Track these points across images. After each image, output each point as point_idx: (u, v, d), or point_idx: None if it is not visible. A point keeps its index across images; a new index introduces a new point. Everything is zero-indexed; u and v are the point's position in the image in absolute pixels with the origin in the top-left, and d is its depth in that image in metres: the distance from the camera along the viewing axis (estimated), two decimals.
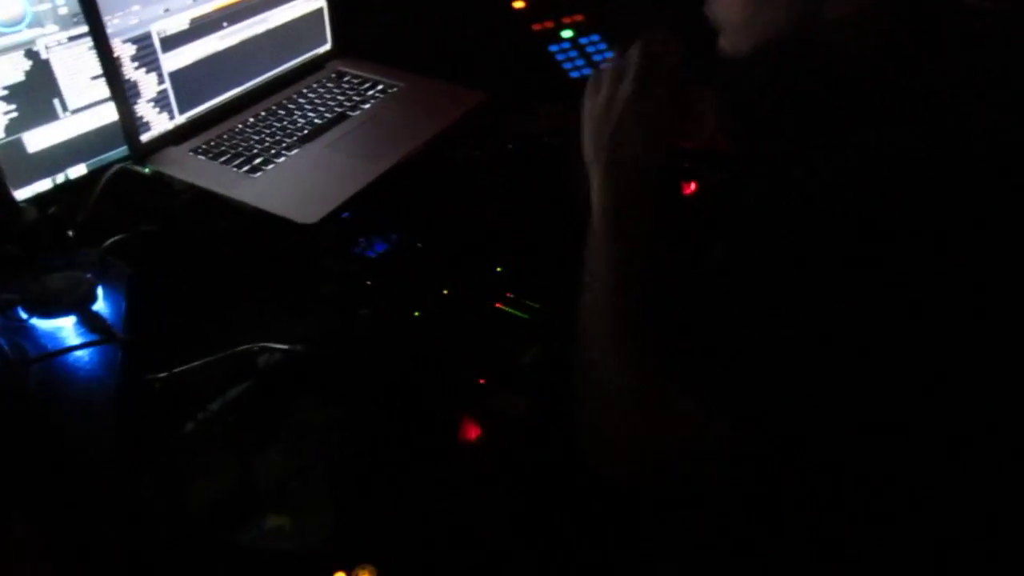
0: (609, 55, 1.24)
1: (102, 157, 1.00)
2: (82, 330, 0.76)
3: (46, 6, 0.90)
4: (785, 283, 0.60)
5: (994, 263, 0.59)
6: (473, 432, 0.95)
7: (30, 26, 0.89)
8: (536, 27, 1.24)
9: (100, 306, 0.79)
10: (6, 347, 0.65)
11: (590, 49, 1.24)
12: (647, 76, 0.71)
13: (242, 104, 1.11)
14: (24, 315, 0.76)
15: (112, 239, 0.86)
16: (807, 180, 0.63)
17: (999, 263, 0.59)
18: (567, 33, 1.24)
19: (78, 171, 0.98)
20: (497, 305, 0.98)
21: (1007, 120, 0.63)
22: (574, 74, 1.20)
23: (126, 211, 0.97)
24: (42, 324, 0.76)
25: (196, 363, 0.84)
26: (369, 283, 1.00)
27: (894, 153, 0.60)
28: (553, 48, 1.22)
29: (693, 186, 1.17)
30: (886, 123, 0.62)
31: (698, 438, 0.62)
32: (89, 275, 0.79)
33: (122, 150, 1.01)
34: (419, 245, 1.05)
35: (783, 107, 0.68)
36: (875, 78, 0.64)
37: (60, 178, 0.96)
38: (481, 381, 0.95)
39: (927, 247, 0.57)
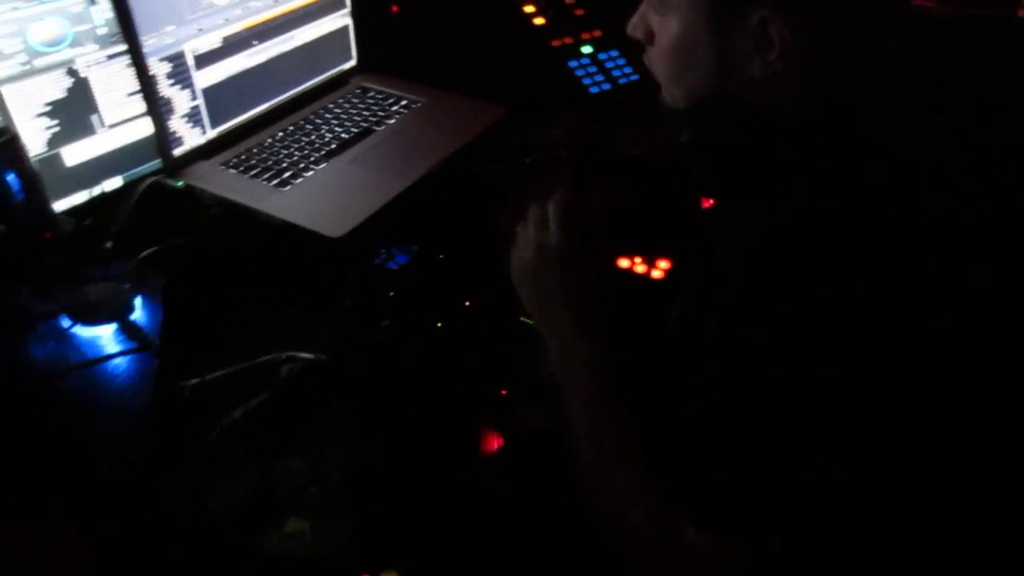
0: (628, 70, 1.26)
1: (136, 170, 1.03)
2: (120, 338, 0.79)
3: (86, 26, 0.93)
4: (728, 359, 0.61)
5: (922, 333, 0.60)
6: (494, 443, 0.97)
7: (71, 46, 0.92)
8: (556, 43, 1.26)
9: (137, 315, 0.81)
10: (50, 354, 0.68)
11: (609, 64, 1.26)
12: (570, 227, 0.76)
13: (270, 119, 1.14)
14: (66, 323, 0.79)
15: (147, 251, 0.89)
16: (732, 248, 0.65)
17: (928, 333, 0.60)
18: (586, 49, 1.27)
19: (113, 184, 1.01)
20: (520, 318, 1.00)
21: (913, 182, 0.65)
22: (593, 89, 1.23)
23: (159, 223, 0.99)
24: (83, 332, 0.79)
25: (224, 371, 0.86)
26: (391, 294, 1.01)
27: (805, 217, 0.61)
28: (572, 64, 1.24)
29: (712, 200, 1.18)
30: (799, 187, 0.63)
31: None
32: (127, 286, 0.82)
33: (154, 164, 1.04)
34: (440, 257, 1.07)
35: (711, 163, 0.69)
36: (793, 138, 0.64)
37: (96, 191, 1.00)
38: (503, 392, 0.97)
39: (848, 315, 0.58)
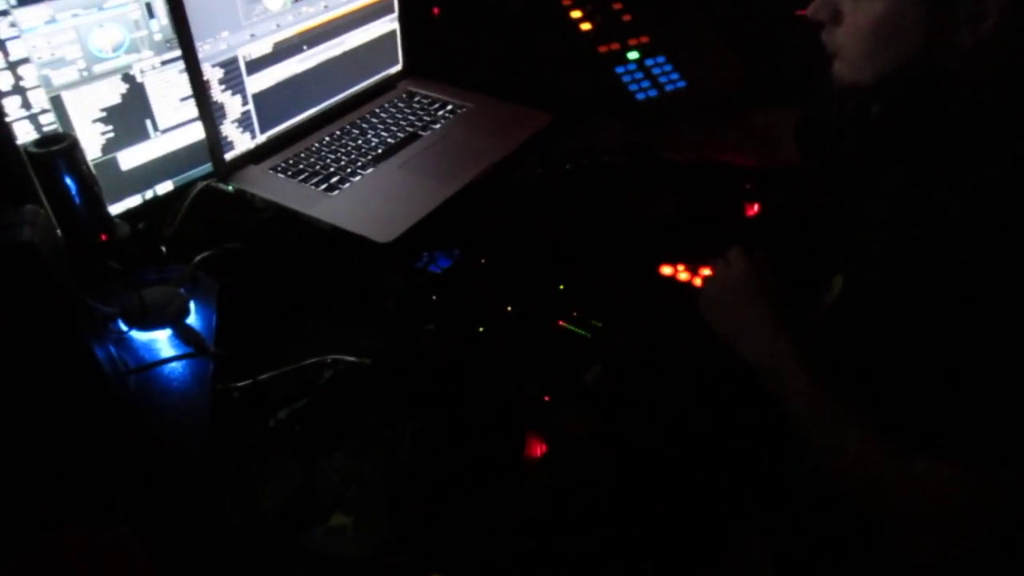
0: (675, 76, 1.25)
1: (187, 175, 1.05)
2: (177, 343, 0.80)
3: (143, 33, 0.95)
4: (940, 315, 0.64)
5: None
6: (538, 449, 0.96)
7: (128, 52, 0.94)
8: (602, 49, 1.25)
9: (192, 319, 0.82)
10: (108, 357, 0.69)
11: (656, 71, 1.25)
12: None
13: (318, 124, 1.15)
14: (123, 327, 0.80)
15: (201, 255, 0.90)
16: (940, 209, 0.65)
17: None
18: (633, 55, 1.26)
19: (165, 188, 1.03)
20: (560, 323, 1.00)
21: None
22: (639, 96, 1.21)
23: (210, 227, 1.01)
24: (140, 336, 0.80)
25: (272, 373, 0.87)
26: (434, 298, 1.02)
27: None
28: (619, 70, 1.23)
29: (756, 208, 1.17)
30: (998, 158, 0.63)
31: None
32: (183, 290, 0.83)
33: (205, 168, 1.05)
34: (482, 261, 1.07)
35: (896, 136, 0.69)
36: (999, 109, 0.64)
37: (148, 194, 1.01)
38: (546, 398, 0.97)
39: None
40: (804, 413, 0.76)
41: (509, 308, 1.01)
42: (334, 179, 1.04)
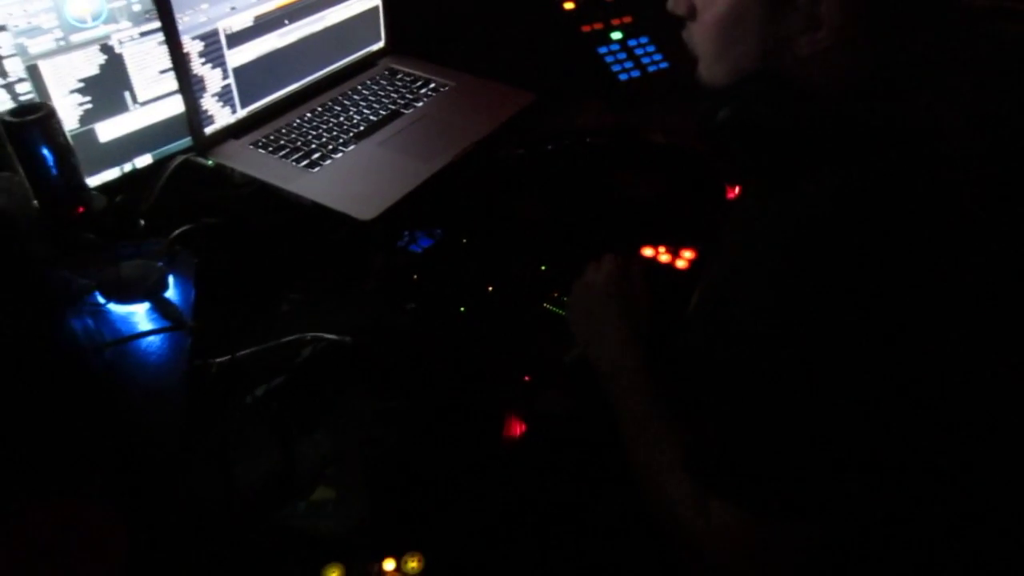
0: (658, 57, 1.25)
1: (166, 148, 1.04)
2: (154, 316, 0.79)
3: (121, 3, 0.93)
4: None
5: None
6: (517, 429, 0.97)
7: (106, 22, 0.93)
8: (585, 28, 1.25)
9: (170, 294, 0.82)
10: (84, 330, 0.68)
11: (638, 51, 1.25)
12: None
13: (298, 99, 1.14)
14: (100, 300, 0.79)
15: (179, 229, 0.90)
16: (769, 226, 0.65)
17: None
18: (616, 35, 1.26)
19: (143, 161, 1.02)
20: (542, 304, 1.00)
21: (973, 156, 0.65)
22: (622, 76, 1.22)
23: (188, 201, 1.00)
24: (116, 309, 0.79)
25: (251, 349, 0.87)
26: (415, 277, 1.02)
27: (855, 194, 0.61)
28: (602, 50, 1.23)
29: (737, 190, 1.18)
30: (846, 163, 0.62)
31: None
32: (160, 264, 0.83)
33: (184, 142, 1.04)
34: (464, 241, 1.07)
35: (751, 141, 0.68)
36: (839, 117, 0.64)
37: (127, 167, 1.00)
38: (526, 379, 0.97)
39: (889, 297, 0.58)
40: (627, 427, 0.76)
41: (491, 288, 1.01)
42: (315, 155, 1.04)
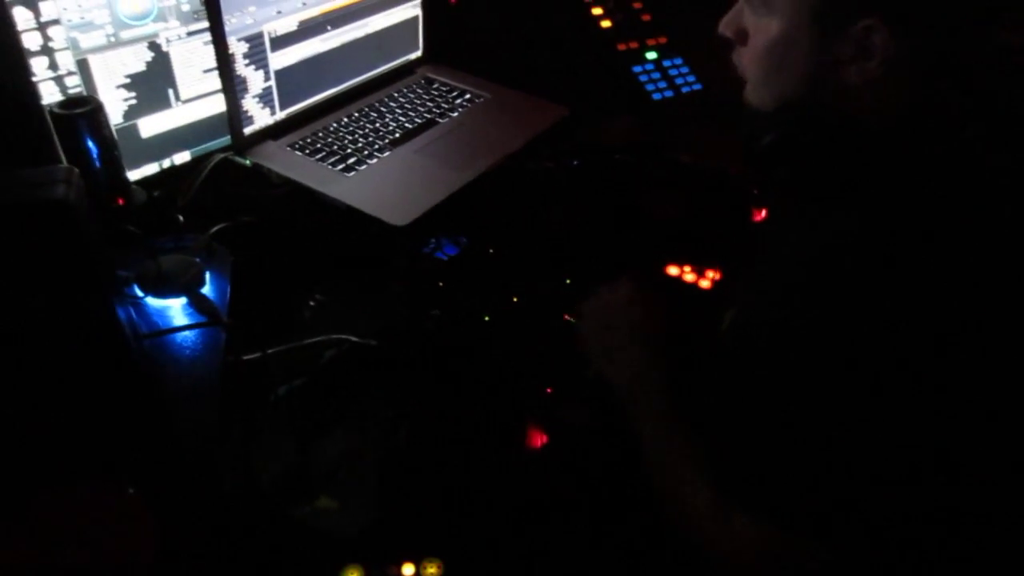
0: (691, 79, 1.26)
1: (204, 146, 1.05)
2: (190, 311, 0.80)
3: (171, 2, 0.95)
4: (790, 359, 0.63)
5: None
6: (538, 440, 0.98)
7: (155, 20, 0.94)
8: (621, 47, 1.26)
9: (206, 289, 0.83)
10: (124, 321, 0.70)
11: (672, 72, 1.26)
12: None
13: (336, 104, 1.16)
14: (139, 292, 0.80)
15: (218, 226, 0.91)
16: (811, 250, 0.66)
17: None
18: (651, 55, 1.27)
19: (182, 157, 1.03)
20: (565, 317, 1.01)
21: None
22: (656, 96, 1.23)
23: (225, 199, 1.01)
24: (154, 302, 0.81)
25: (279, 348, 0.88)
26: (441, 284, 1.03)
27: (890, 220, 0.61)
28: (636, 68, 1.24)
29: (764, 213, 1.18)
30: (885, 191, 0.63)
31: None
32: (198, 259, 0.84)
33: (222, 140, 1.06)
34: (489, 251, 1.08)
35: (795, 166, 0.69)
36: (882, 146, 0.64)
37: (166, 163, 1.02)
38: (548, 390, 0.98)
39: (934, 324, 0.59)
40: (648, 444, 0.76)
41: (515, 299, 1.02)
42: (351, 160, 1.05)
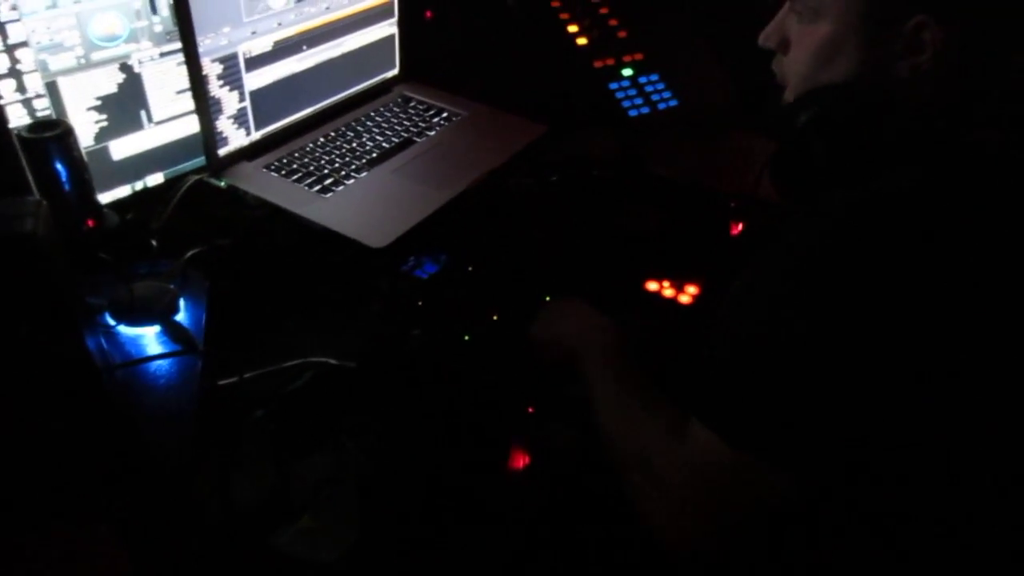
0: (667, 95, 1.27)
1: (178, 168, 1.04)
2: (164, 339, 0.79)
3: (143, 23, 0.94)
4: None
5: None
6: (520, 461, 0.97)
7: (127, 41, 0.93)
8: (597, 64, 1.26)
9: (181, 316, 0.82)
10: (95, 351, 0.68)
11: (648, 88, 1.26)
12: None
13: (312, 124, 1.15)
14: (111, 321, 0.79)
15: (192, 251, 0.90)
16: (836, 221, 0.65)
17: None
18: (627, 71, 1.27)
19: (155, 179, 1.02)
20: None
21: None
22: (632, 112, 1.23)
23: (200, 222, 1.00)
24: (127, 331, 0.79)
25: (255, 372, 0.86)
26: (420, 303, 1.02)
27: (935, 203, 0.62)
28: (613, 85, 1.25)
29: (741, 227, 1.19)
30: (929, 173, 0.64)
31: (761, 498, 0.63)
32: (172, 286, 0.82)
33: (196, 161, 1.05)
34: (469, 269, 1.08)
35: (831, 143, 0.69)
36: (922, 130, 0.66)
37: (139, 185, 1.00)
38: (530, 410, 0.97)
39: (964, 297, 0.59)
40: (598, 389, 0.78)
41: (495, 317, 1.01)
42: (328, 181, 1.04)
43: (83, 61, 0.90)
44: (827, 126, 0.68)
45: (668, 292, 1.06)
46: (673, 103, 1.26)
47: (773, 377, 0.62)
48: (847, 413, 0.60)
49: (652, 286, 1.06)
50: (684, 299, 1.05)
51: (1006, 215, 0.62)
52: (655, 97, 1.26)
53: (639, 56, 1.30)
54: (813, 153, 0.70)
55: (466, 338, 0.99)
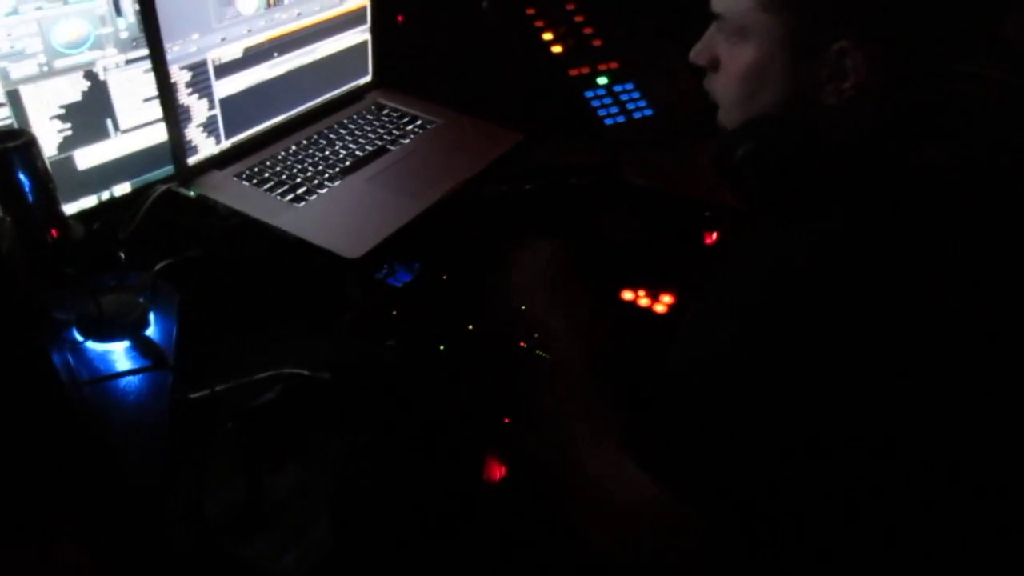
0: (642, 103, 1.27)
1: (146, 177, 1.02)
2: (134, 354, 0.77)
3: (108, 30, 0.91)
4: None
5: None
6: (496, 472, 0.96)
7: (91, 48, 0.91)
8: (572, 72, 1.26)
9: (151, 330, 0.80)
10: (62, 367, 0.66)
11: (624, 97, 1.27)
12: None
13: (285, 132, 1.13)
14: (78, 336, 0.77)
15: (162, 263, 0.88)
16: (775, 254, 0.67)
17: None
18: (602, 80, 1.27)
19: (122, 189, 0.99)
20: (520, 343, 1.00)
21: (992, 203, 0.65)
22: (608, 121, 1.23)
23: (169, 232, 0.98)
24: (95, 346, 0.77)
25: (226, 385, 0.85)
26: (394, 313, 1.01)
27: (860, 229, 0.62)
28: (588, 94, 1.25)
29: (715, 236, 1.20)
30: (856, 201, 0.64)
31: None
32: (141, 299, 0.80)
33: (165, 170, 1.02)
34: (444, 277, 1.07)
35: (763, 179, 0.70)
36: (853, 159, 0.66)
37: (105, 195, 0.98)
38: (506, 420, 0.97)
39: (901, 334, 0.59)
40: (561, 374, 0.78)
41: (470, 327, 1.00)
42: (300, 190, 1.02)
43: (46, 69, 0.87)
44: (760, 162, 0.69)
45: (643, 301, 1.06)
46: (648, 112, 1.27)
47: (718, 424, 0.63)
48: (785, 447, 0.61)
49: (627, 295, 1.06)
50: (659, 308, 1.05)
51: (954, 240, 0.62)
52: (630, 106, 1.26)
53: (614, 65, 1.30)
54: (748, 189, 0.72)
55: (441, 348, 0.98)
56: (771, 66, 0.66)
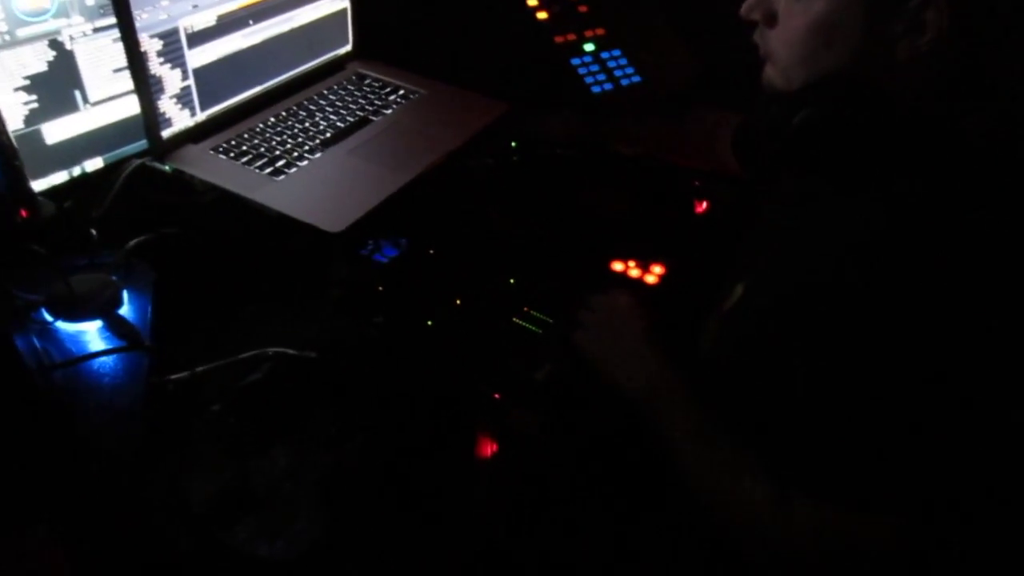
0: (630, 71, 1.24)
1: (118, 151, 0.98)
2: (107, 335, 0.74)
3: None
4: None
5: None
6: (487, 448, 0.95)
7: (56, 16, 0.87)
8: (559, 39, 1.23)
9: (125, 310, 0.77)
10: (30, 351, 0.63)
11: (611, 64, 1.24)
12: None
13: (262, 103, 1.10)
14: (49, 317, 0.74)
15: (136, 239, 0.85)
16: (852, 229, 0.64)
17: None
18: (589, 47, 1.24)
19: (94, 164, 0.96)
20: (511, 319, 0.98)
21: None
22: (595, 89, 1.20)
23: (144, 209, 0.95)
24: (66, 327, 0.74)
25: (210, 365, 0.83)
26: (380, 289, 0.99)
27: (936, 206, 0.61)
28: (575, 61, 1.22)
29: (705, 205, 1.18)
30: (927, 174, 0.62)
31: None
32: (114, 278, 0.78)
33: (138, 145, 0.99)
34: (430, 252, 1.05)
35: (829, 146, 0.67)
36: (923, 121, 0.64)
37: (76, 171, 0.94)
38: (496, 396, 0.95)
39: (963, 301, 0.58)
40: (686, 452, 0.74)
41: (458, 302, 0.98)
42: (280, 163, 0.99)
43: (8, 38, 0.83)
44: (829, 128, 0.65)
45: (634, 272, 1.04)
46: (636, 79, 1.24)
47: (860, 422, 0.62)
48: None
49: (618, 266, 1.04)
50: (650, 279, 1.03)
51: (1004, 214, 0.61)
52: (618, 73, 1.23)
53: (601, 31, 1.27)
54: (811, 155, 0.68)
55: (429, 323, 0.96)
56: (843, 19, 0.63)
